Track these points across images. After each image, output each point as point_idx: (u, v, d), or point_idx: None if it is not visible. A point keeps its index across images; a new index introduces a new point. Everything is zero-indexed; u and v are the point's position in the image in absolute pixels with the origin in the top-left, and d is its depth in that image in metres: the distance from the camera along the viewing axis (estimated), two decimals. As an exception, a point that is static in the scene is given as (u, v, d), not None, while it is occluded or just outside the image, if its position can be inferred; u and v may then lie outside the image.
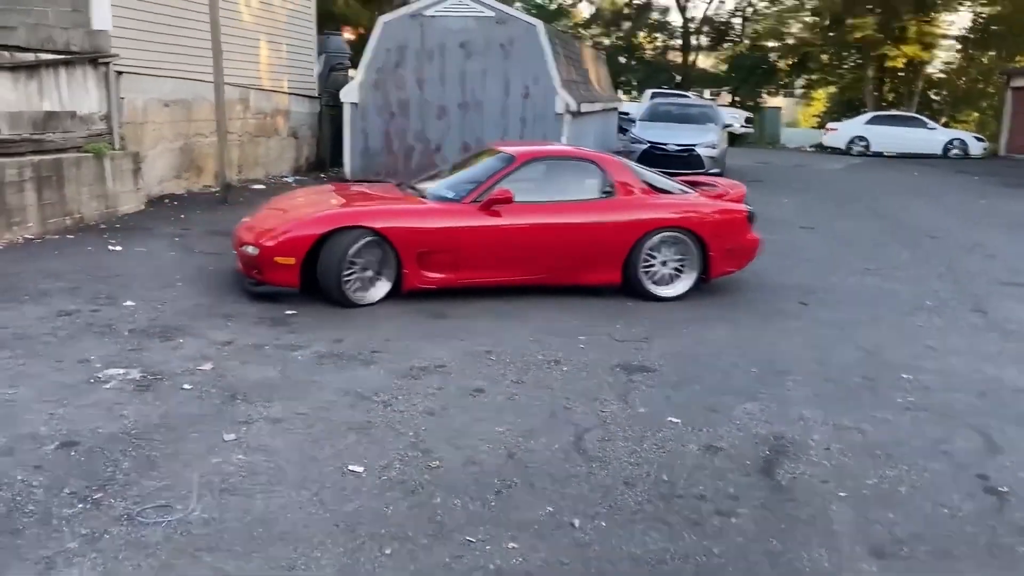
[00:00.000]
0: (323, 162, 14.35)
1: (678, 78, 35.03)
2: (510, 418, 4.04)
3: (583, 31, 38.52)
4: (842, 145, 25.46)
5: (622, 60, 37.43)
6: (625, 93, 37.10)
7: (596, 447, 3.76)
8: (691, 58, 37.07)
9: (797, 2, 30.03)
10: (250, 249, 5.78)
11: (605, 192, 6.51)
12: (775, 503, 3.32)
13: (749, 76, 33.59)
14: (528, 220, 6.24)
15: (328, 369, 4.58)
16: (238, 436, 3.66)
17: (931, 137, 24.72)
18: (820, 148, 26.59)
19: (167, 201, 9.88)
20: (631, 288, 6.46)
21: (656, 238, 6.38)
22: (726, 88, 33.04)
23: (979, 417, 4.31)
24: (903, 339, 5.72)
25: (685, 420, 4.13)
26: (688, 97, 27.59)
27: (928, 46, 28.57)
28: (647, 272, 6.44)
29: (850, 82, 33.17)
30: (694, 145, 14.91)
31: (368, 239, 5.77)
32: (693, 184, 7.17)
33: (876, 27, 27.15)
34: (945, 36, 30.63)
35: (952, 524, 3.22)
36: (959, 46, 31.87)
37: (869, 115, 26.62)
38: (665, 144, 14.99)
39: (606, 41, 37.80)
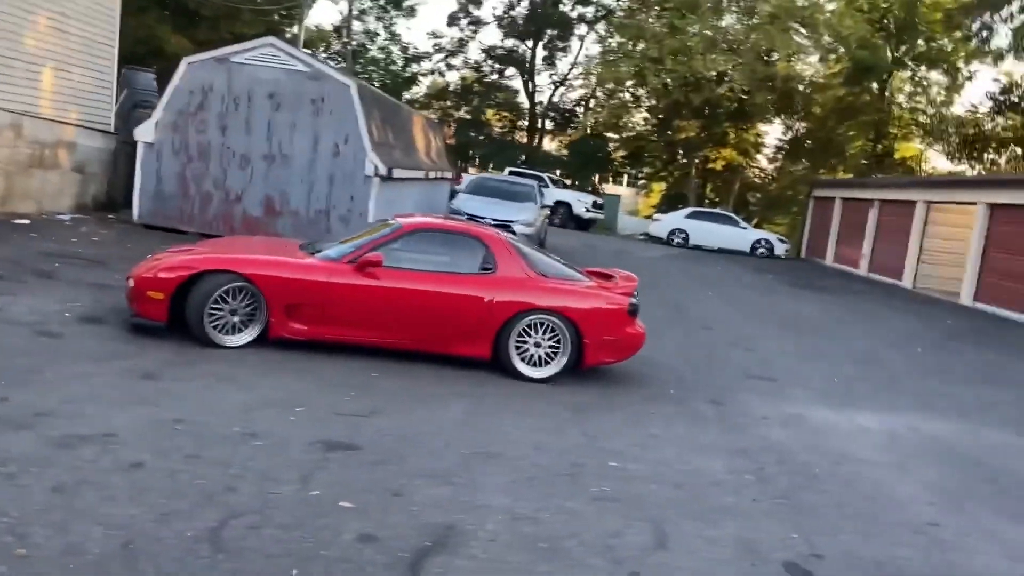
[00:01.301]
0: (114, 202, 13.36)
1: (523, 157, 36.12)
2: (156, 499, 3.59)
3: (435, 102, 39.17)
4: (664, 236, 26.97)
5: (472, 134, 38.26)
6: (479, 167, 37.77)
7: (238, 536, 3.39)
8: (536, 139, 38.42)
9: (632, 99, 31.96)
10: (129, 282, 6.23)
11: (484, 268, 6.62)
12: (403, 604, 3.07)
13: (588, 162, 35.15)
14: (400, 285, 6.39)
15: (-38, 432, 3.97)
16: None
17: (741, 235, 26.69)
18: (649, 237, 27.96)
19: None
20: (500, 365, 6.49)
21: (528, 320, 6.48)
22: (562, 172, 34.32)
23: (663, 509, 4.31)
24: (630, 426, 5.77)
25: (360, 505, 3.85)
26: (542, 179, 28.34)
27: (744, 152, 31.11)
28: (519, 352, 6.47)
29: (678, 178, 35.48)
30: (511, 221, 15.15)
31: (237, 284, 6.10)
32: (595, 274, 7.27)
33: (699, 130, 29.30)
34: (759, 145, 33.51)
35: (583, 628, 3.09)
36: (772, 154, 34.97)
37: (689, 210, 28.47)
38: (483, 217, 15.16)
39: (456, 114, 38.57)
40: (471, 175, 27.72)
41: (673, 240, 26.48)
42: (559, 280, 6.78)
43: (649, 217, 36.48)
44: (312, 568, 3.22)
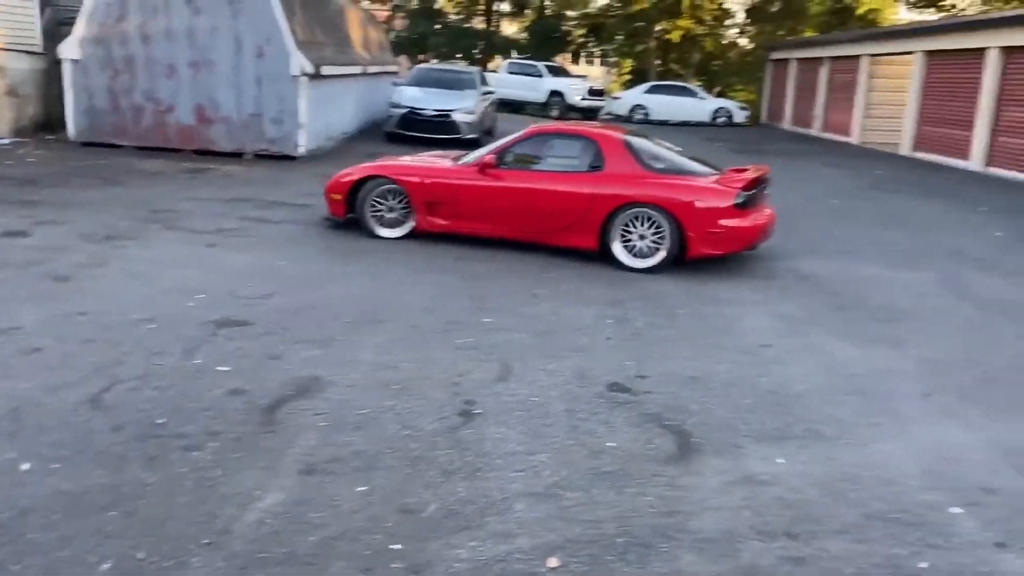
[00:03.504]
0: (53, 122, 13.43)
1: (481, 43, 35.40)
2: (48, 375, 4.09)
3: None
4: (625, 113, 26.93)
5: (427, 24, 37.23)
6: (439, 59, 36.94)
7: (116, 397, 3.90)
8: (494, 24, 37.53)
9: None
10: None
11: (593, 167, 7.10)
12: (251, 436, 3.60)
13: (544, 43, 34.51)
14: (513, 184, 7.22)
15: None
16: None
17: (701, 106, 26.70)
18: (613, 116, 27.83)
19: None
20: (606, 256, 7.00)
21: (630, 212, 6.87)
22: (523, 56, 33.71)
23: (517, 352, 4.83)
24: (517, 289, 6.26)
25: (236, 368, 4.35)
26: (535, 66, 28.01)
27: (701, 21, 30.59)
28: (625, 244, 6.92)
29: (640, 54, 34.97)
30: (451, 111, 15.27)
31: (388, 186, 7.50)
32: (734, 170, 7.48)
33: (654, 2, 28.72)
34: (720, 12, 32.87)
35: (405, 443, 3.63)
36: (732, 21, 34.35)
37: (647, 85, 28.34)
38: (422, 109, 15.28)
39: (408, 4, 37.48)
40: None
41: (634, 117, 26.47)
42: (670, 176, 6.98)
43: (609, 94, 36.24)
44: (178, 417, 3.75)
